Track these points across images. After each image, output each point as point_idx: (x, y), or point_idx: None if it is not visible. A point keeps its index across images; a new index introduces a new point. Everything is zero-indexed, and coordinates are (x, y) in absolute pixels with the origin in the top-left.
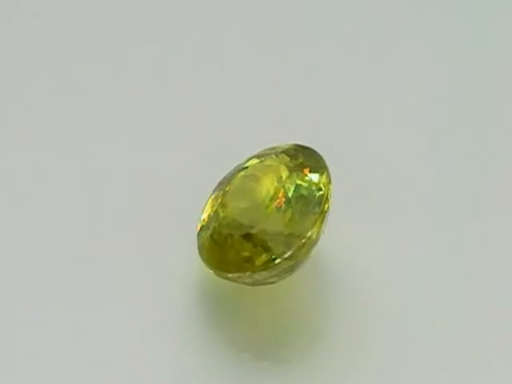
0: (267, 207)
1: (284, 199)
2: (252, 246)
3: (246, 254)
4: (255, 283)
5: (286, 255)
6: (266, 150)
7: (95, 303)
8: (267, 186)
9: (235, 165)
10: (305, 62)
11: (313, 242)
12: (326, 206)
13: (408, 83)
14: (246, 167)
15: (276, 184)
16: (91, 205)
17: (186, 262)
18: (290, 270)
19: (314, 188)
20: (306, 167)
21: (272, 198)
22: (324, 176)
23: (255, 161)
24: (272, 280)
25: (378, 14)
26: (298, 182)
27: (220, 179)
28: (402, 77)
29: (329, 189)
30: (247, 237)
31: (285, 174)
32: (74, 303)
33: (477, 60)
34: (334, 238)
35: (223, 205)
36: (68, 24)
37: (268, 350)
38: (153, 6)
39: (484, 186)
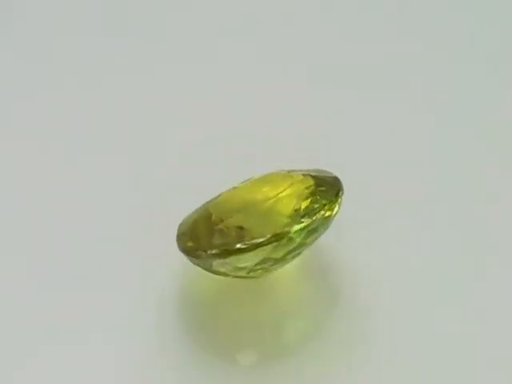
0: (261, 205)
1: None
2: (218, 230)
3: (206, 231)
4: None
5: (214, 251)
6: (309, 169)
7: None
8: (277, 189)
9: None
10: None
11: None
12: (298, 238)
13: (417, 106)
14: (283, 171)
15: (287, 193)
16: (82, 206)
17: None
18: (240, 268)
19: (308, 218)
20: (322, 202)
21: (272, 201)
22: (328, 212)
23: (294, 172)
24: (225, 271)
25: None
26: (305, 204)
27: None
28: (412, 102)
29: (314, 222)
30: (220, 219)
31: (302, 193)
32: (60, 295)
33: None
34: (334, 238)
35: (231, 190)
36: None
37: (257, 346)
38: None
39: (483, 194)
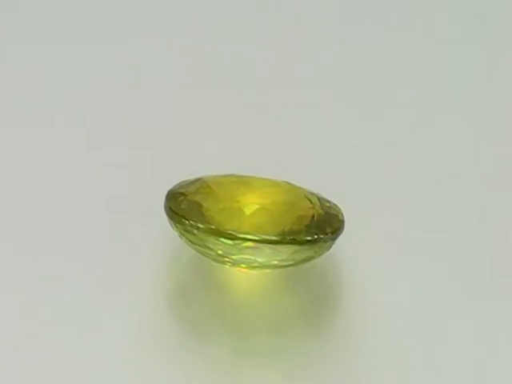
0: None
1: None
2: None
3: (194, 204)
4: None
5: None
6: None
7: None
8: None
9: None
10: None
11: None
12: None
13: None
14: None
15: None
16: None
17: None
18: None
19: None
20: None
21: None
22: (310, 250)
23: (310, 196)
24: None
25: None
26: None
27: None
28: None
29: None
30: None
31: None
32: (49, 274)
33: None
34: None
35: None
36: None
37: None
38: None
39: (485, 208)
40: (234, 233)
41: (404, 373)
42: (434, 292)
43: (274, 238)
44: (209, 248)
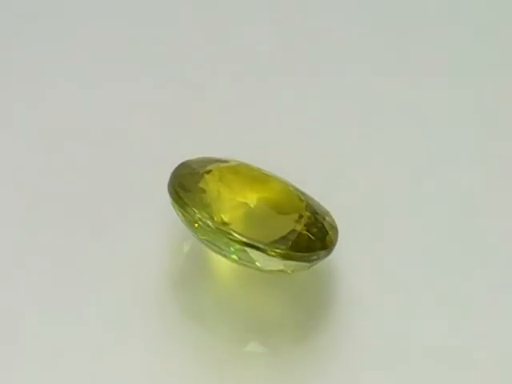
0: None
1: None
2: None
3: (201, 186)
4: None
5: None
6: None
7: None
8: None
9: None
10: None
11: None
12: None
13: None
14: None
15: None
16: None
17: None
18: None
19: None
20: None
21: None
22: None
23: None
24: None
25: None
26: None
27: None
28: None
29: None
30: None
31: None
32: (47, 259)
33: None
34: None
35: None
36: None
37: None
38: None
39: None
40: (207, 223)
41: (402, 375)
42: (433, 294)
43: (240, 237)
44: (192, 230)
